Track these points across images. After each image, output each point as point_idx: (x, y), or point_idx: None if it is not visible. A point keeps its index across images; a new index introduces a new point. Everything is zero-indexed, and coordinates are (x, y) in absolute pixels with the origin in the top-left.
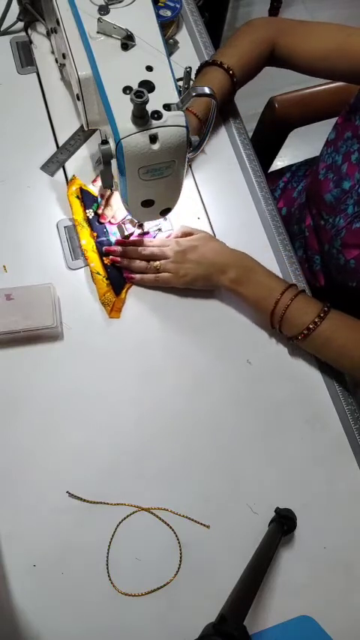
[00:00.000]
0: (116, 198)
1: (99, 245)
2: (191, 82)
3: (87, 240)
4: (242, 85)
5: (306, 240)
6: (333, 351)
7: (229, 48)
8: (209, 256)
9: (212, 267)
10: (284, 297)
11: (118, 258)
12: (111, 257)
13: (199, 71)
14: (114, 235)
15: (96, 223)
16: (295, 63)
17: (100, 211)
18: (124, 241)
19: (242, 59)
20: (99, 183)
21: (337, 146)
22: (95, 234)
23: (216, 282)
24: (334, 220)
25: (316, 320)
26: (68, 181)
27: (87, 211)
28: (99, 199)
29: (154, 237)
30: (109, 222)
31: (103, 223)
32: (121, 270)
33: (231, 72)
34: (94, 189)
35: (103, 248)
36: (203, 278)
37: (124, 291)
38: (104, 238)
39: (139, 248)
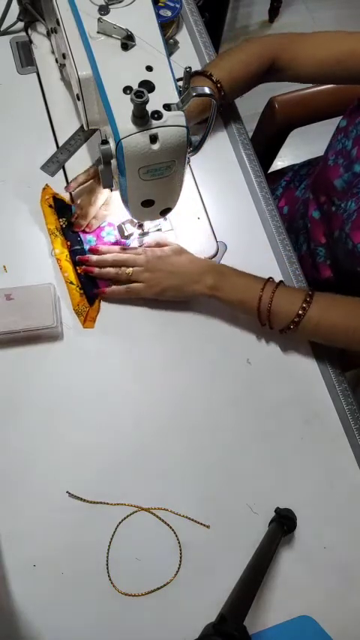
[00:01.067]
0: (95, 206)
1: (72, 254)
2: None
3: (60, 250)
4: (231, 99)
5: (309, 232)
6: (326, 332)
7: (223, 60)
8: (182, 266)
9: (186, 276)
10: (265, 292)
11: (91, 269)
12: (84, 267)
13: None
14: (88, 244)
15: (69, 232)
16: (299, 73)
17: (73, 220)
18: (97, 249)
19: (233, 73)
20: (76, 190)
21: (347, 131)
22: (69, 242)
23: (192, 292)
24: (346, 205)
25: (304, 306)
26: (42, 190)
27: (60, 220)
28: (73, 208)
29: (141, 240)
30: (84, 231)
31: (76, 232)
32: (94, 280)
33: (219, 85)
34: (75, 196)
35: (77, 257)
36: (175, 288)
37: (98, 300)
38: (78, 247)
39: (111, 255)
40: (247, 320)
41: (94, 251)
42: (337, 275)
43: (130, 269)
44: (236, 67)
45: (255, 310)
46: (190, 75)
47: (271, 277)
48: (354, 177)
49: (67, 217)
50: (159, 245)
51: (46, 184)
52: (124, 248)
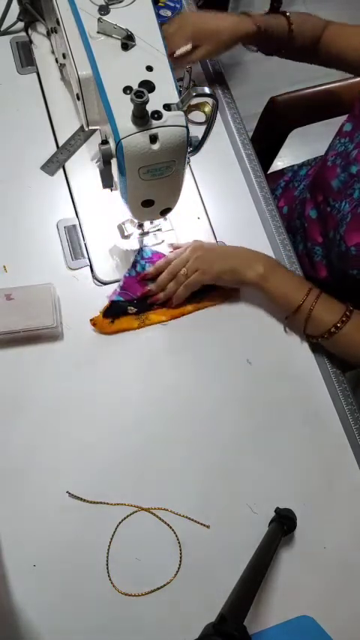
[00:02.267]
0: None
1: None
2: (191, 83)
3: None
4: (296, 42)
5: (306, 231)
6: (355, 350)
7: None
8: (235, 250)
9: (238, 259)
10: (310, 296)
11: (157, 297)
12: (150, 299)
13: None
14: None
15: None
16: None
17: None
18: (146, 274)
19: (305, 25)
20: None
21: (352, 136)
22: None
23: (243, 277)
24: (340, 205)
25: (343, 319)
26: (94, 323)
27: (130, 314)
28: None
29: (141, 240)
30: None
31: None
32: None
33: (291, 25)
34: (119, 296)
35: (139, 277)
36: (231, 271)
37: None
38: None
39: (163, 270)
40: (248, 320)
41: (143, 277)
42: (332, 276)
43: (184, 269)
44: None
45: (293, 309)
46: (190, 74)
47: (313, 285)
48: (350, 177)
49: (126, 306)
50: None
51: (93, 322)
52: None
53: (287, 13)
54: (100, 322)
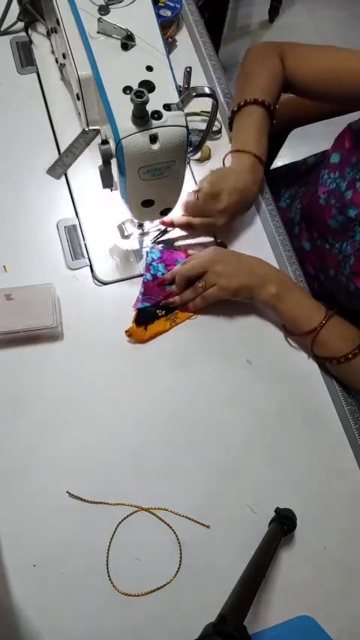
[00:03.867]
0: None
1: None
2: (191, 82)
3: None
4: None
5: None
6: None
7: (250, 81)
8: (251, 264)
9: (254, 276)
10: (324, 321)
11: (173, 300)
12: (164, 301)
13: (234, 113)
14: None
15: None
16: (293, 84)
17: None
18: (163, 279)
19: (269, 90)
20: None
21: (343, 173)
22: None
23: (256, 295)
24: (341, 246)
25: (356, 351)
26: (130, 334)
27: (160, 315)
28: (144, 305)
29: (141, 240)
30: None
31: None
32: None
33: (270, 107)
34: (145, 303)
35: (156, 282)
36: (247, 288)
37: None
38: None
39: (179, 275)
40: (248, 320)
41: (161, 282)
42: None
43: (203, 281)
44: (268, 83)
45: (305, 332)
46: (190, 74)
47: (327, 307)
48: (348, 221)
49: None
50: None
51: (128, 333)
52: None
53: (266, 103)
54: (135, 332)
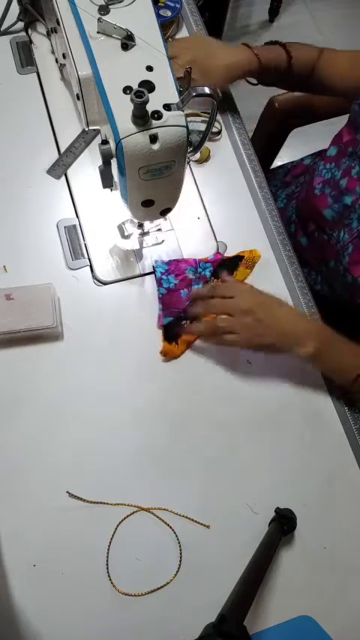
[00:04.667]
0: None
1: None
2: (191, 82)
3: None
4: (294, 71)
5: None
6: None
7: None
8: (288, 323)
9: (284, 338)
10: None
11: (193, 335)
12: (184, 336)
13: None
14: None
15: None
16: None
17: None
18: (189, 297)
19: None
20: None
21: (339, 162)
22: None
23: (288, 352)
24: (339, 235)
25: None
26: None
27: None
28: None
29: (141, 240)
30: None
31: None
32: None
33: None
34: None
35: (187, 303)
36: (273, 348)
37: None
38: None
39: (200, 294)
40: None
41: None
42: (332, 301)
43: (224, 323)
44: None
45: (351, 380)
46: (189, 74)
47: None
48: (344, 208)
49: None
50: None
51: (164, 353)
52: (206, 281)
53: (285, 45)
54: (169, 349)
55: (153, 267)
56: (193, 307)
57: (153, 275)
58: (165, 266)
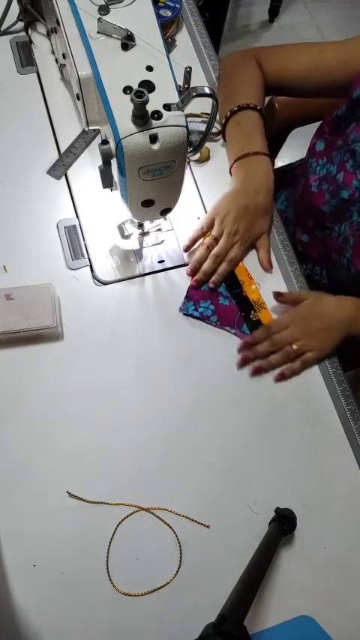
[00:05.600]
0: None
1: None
2: (191, 83)
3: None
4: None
5: (299, 255)
6: None
7: (235, 90)
8: (332, 318)
9: (342, 327)
10: None
11: (261, 370)
12: (253, 371)
13: (226, 120)
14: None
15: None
16: (282, 86)
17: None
18: (249, 342)
19: (257, 95)
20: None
21: (330, 157)
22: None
23: (353, 335)
24: (340, 228)
25: None
26: None
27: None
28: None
29: (141, 240)
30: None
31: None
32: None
33: (259, 109)
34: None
35: (241, 358)
36: (341, 340)
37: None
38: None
39: (266, 343)
40: None
41: (246, 345)
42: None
43: (295, 345)
44: (253, 89)
45: None
46: (190, 74)
47: None
48: (343, 203)
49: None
50: (294, 302)
51: None
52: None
53: (256, 107)
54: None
55: (184, 314)
56: (256, 349)
57: (153, 275)
58: (188, 302)
